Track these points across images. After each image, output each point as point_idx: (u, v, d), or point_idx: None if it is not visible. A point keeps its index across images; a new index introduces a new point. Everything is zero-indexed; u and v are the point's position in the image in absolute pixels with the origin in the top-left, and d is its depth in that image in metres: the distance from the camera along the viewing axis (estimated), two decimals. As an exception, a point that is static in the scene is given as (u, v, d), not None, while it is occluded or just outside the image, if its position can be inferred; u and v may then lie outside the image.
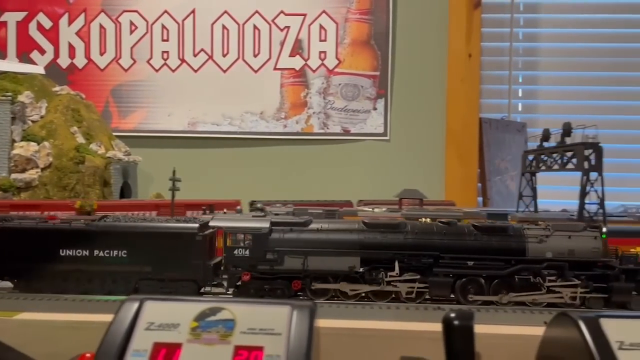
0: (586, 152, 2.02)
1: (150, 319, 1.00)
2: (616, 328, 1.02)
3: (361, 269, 1.90)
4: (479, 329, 1.48)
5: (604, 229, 1.92)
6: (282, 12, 4.53)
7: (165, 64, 4.60)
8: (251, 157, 4.60)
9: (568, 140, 2.26)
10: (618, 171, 4.71)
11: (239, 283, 1.87)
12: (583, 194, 1.93)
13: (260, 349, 0.99)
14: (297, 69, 4.53)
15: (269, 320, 1.03)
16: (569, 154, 2.13)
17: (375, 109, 4.52)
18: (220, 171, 4.57)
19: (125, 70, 4.64)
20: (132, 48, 4.63)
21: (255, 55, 4.56)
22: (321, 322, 1.37)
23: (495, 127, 4.69)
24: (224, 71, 4.57)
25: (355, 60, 4.51)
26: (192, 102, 4.58)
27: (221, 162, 4.60)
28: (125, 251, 1.89)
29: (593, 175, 2.00)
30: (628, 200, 3.94)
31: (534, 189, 2.74)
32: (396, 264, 1.87)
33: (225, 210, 3.11)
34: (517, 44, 4.81)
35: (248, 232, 1.90)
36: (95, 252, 1.89)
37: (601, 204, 1.92)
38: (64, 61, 4.66)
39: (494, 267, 1.86)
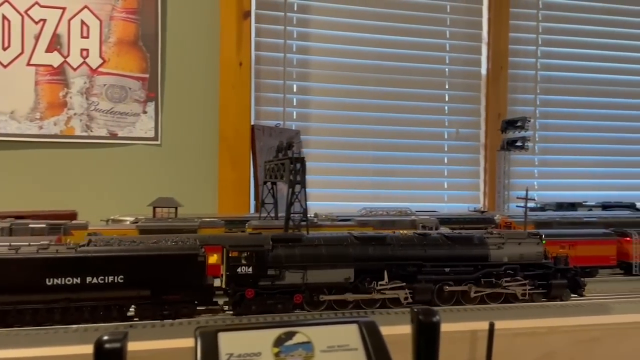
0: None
1: None
2: (231, 341, 1.10)
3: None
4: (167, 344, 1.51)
5: (542, 235, 2.32)
6: (37, 3, 4.11)
7: None
8: (-1, 161, 4.10)
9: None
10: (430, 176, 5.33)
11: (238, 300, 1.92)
12: (289, 204, 2.09)
13: None
14: (55, 66, 4.15)
15: None
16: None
17: (145, 112, 4.37)
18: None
19: None
20: None
21: (4, 49, 4.06)
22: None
23: (269, 134, 4.87)
24: (-35, 64, 3.99)
25: (122, 61, 4.29)
26: None
27: (-41, 167, 4.02)
28: (121, 276, 1.83)
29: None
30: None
31: (274, 197, 2.89)
32: (385, 273, 2.02)
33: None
34: (292, 55, 5.06)
35: (252, 249, 1.93)
36: (88, 279, 1.80)
37: (304, 214, 2.09)
38: None
39: (465, 272, 2.15)
